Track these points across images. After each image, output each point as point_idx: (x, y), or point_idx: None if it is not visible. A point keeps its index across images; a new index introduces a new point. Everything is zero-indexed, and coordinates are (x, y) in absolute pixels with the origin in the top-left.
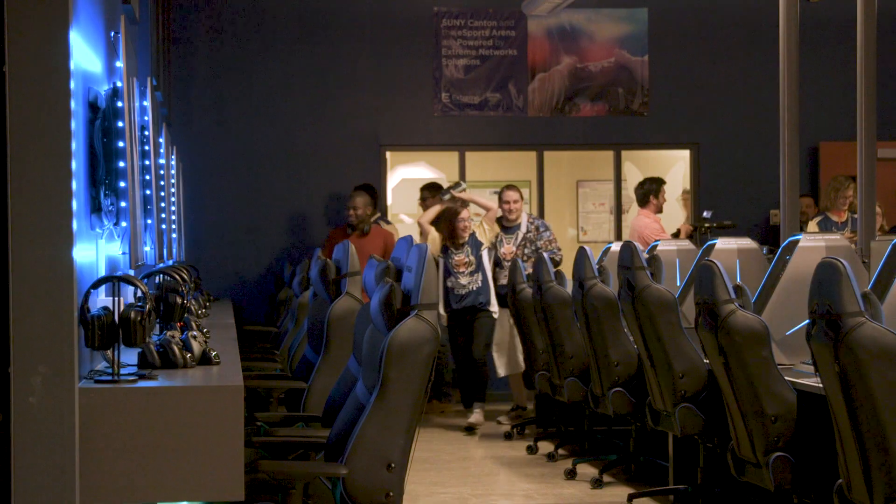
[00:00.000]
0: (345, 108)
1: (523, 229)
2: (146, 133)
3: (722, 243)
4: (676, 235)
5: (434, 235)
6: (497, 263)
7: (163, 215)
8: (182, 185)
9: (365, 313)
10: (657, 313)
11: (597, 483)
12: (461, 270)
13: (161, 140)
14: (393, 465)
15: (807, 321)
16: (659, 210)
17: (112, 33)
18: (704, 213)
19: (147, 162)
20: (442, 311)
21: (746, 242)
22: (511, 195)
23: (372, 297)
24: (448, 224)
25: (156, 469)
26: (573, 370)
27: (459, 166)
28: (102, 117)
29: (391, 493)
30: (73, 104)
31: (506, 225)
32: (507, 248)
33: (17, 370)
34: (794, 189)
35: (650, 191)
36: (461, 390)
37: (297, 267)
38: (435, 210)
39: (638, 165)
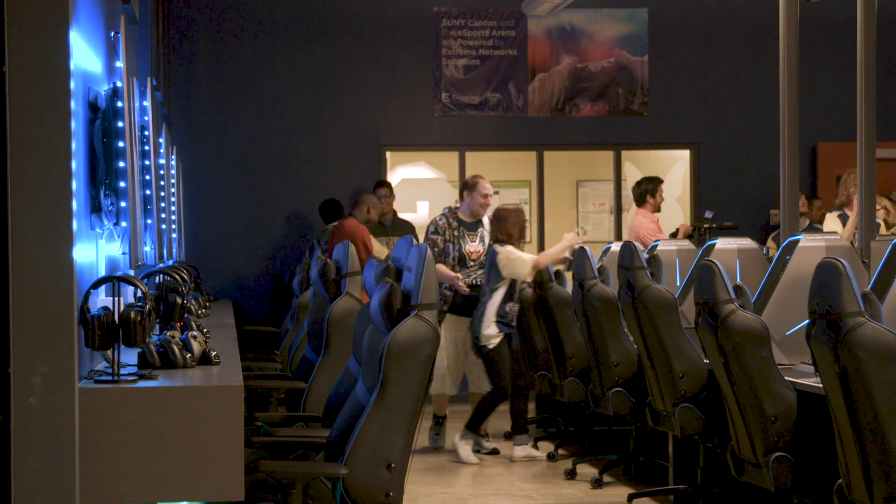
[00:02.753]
0: (345, 109)
1: (486, 225)
2: (146, 133)
3: (722, 243)
4: (675, 235)
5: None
6: (461, 262)
7: (163, 215)
8: (182, 185)
9: (365, 313)
10: (657, 313)
11: (597, 483)
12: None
13: (161, 140)
14: (393, 465)
15: (807, 321)
16: (656, 209)
17: (112, 33)
18: (706, 214)
19: (147, 162)
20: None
21: (746, 242)
22: (489, 186)
23: (372, 297)
24: (514, 218)
25: (156, 469)
26: (573, 370)
27: (459, 166)
28: (102, 117)
29: (391, 493)
30: (73, 104)
31: (469, 220)
32: (474, 247)
33: (17, 370)
34: (793, 189)
35: (647, 190)
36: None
37: (297, 267)
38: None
39: (638, 165)
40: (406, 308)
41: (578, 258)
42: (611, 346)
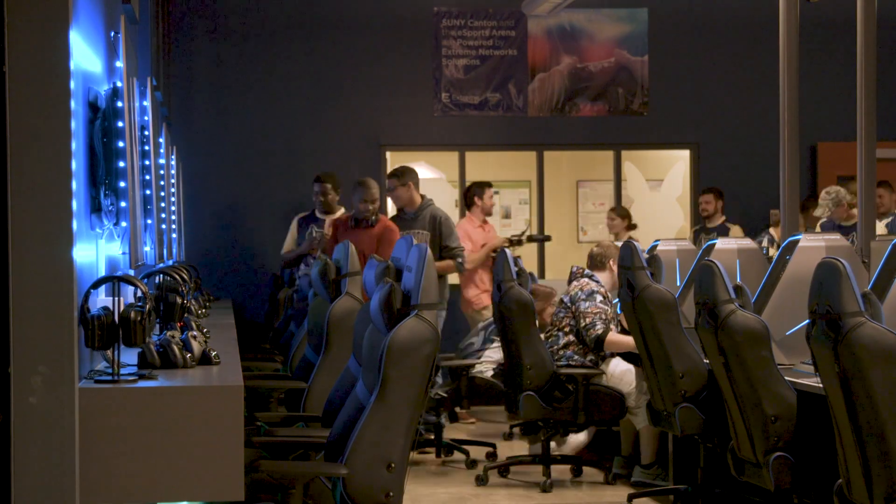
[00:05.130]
0: (345, 109)
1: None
2: (146, 133)
3: (722, 243)
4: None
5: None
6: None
7: (163, 215)
8: (182, 185)
9: (365, 313)
10: (657, 313)
11: (596, 483)
12: None
13: (161, 140)
14: (393, 465)
15: (807, 321)
16: (487, 213)
17: (112, 33)
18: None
19: (147, 162)
20: None
21: (746, 242)
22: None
23: (372, 297)
24: None
25: (156, 469)
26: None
27: (459, 166)
28: (102, 117)
29: (391, 493)
30: (73, 104)
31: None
32: None
33: (17, 370)
34: (793, 189)
35: (475, 194)
36: None
37: (297, 267)
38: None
39: (638, 165)
40: (406, 308)
41: (499, 260)
42: (524, 351)
